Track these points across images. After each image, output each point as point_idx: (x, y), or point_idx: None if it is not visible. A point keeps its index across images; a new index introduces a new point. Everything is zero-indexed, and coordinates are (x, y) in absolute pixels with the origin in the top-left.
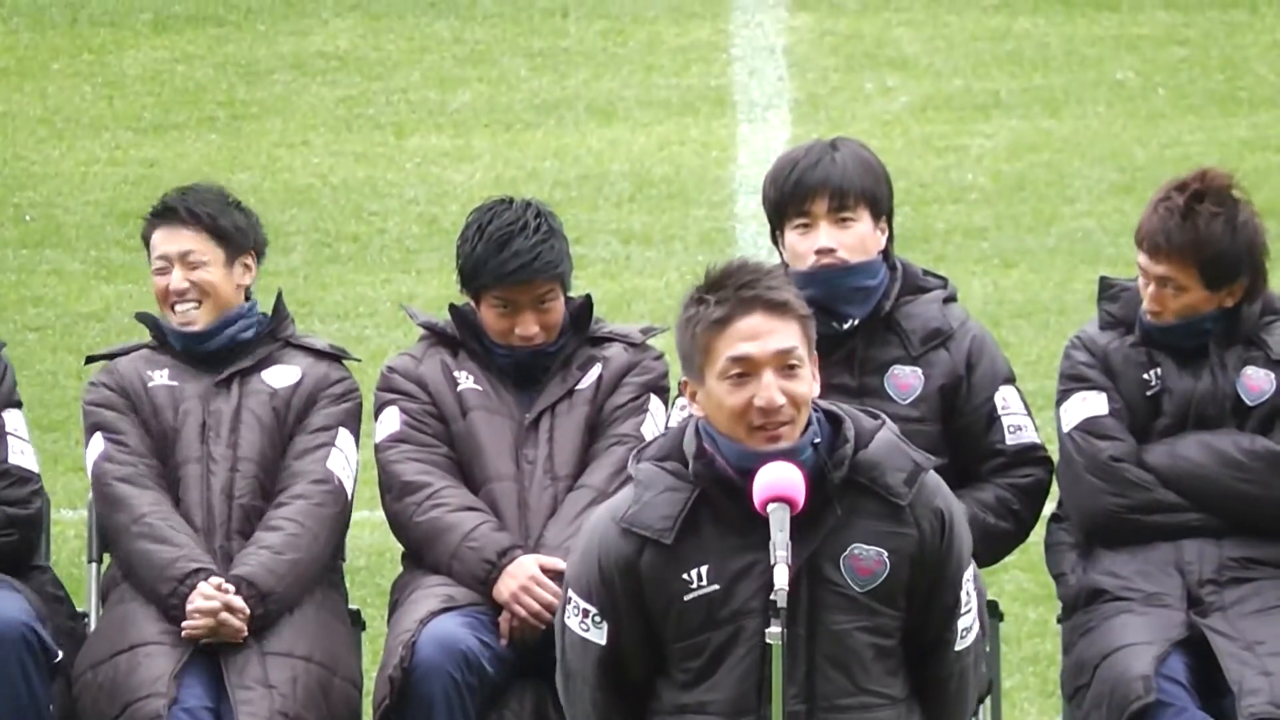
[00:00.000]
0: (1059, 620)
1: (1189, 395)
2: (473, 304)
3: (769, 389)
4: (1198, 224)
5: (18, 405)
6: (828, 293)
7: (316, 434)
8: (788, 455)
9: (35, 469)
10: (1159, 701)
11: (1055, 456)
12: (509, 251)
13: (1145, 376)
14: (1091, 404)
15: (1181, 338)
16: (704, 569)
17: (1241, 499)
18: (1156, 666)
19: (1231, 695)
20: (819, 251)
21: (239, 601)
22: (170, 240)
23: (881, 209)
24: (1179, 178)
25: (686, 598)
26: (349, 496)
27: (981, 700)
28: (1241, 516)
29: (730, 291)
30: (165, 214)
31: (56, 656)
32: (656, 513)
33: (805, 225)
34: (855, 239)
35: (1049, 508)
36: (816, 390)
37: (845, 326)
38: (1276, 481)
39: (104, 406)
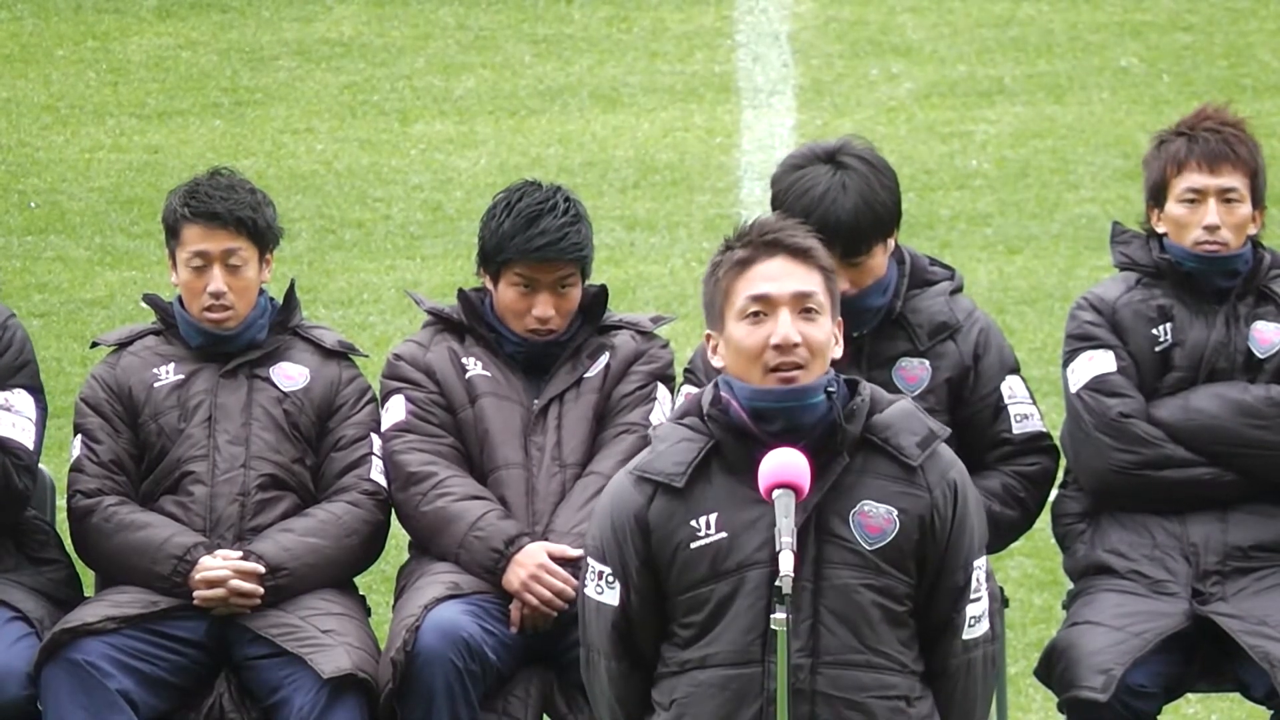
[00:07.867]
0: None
1: (1201, 346)
2: (489, 283)
3: (785, 326)
4: (1243, 136)
5: (29, 389)
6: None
7: (354, 446)
8: (799, 395)
9: (24, 443)
10: (1112, 703)
11: (1061, 437)
12: (536, 229)
13: (1155, 332)
14: (1099, 362)
15: (1218, 276)
16: (713, 517)
17: (1260, 447)
18: (1128, 669)
19: (1237, 680)
20: None
21: (249, 565)
22: (210, 239)
23: (893, 229)
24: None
25: (694, 545)
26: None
27: None
28: (1255, 467)
29: (755, 237)
30: (208, 216)
31: None
32: (670, 459)
33: None
34: (867, 273)
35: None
36: (839, 352)
37: (855, 335)
38: None
39: (92, 409)
